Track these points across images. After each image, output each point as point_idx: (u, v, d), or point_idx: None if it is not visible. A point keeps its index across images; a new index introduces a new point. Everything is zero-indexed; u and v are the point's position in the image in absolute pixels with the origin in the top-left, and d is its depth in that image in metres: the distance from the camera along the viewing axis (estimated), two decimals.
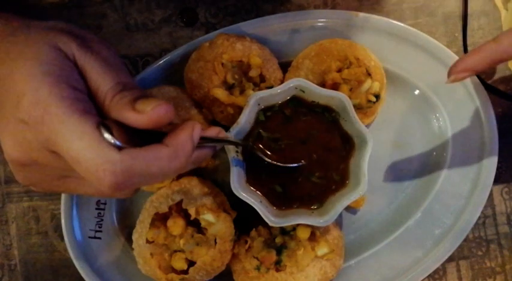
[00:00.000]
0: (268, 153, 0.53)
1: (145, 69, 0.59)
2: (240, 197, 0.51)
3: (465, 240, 0.61)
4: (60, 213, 0.58)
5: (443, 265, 0.62)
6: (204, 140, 0.42)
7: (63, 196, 0.58)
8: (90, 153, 0.34)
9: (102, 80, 0.38)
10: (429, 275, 0.61)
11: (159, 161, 0.36)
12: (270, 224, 0.51)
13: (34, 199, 0.63)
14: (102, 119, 0.36)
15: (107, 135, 0.34)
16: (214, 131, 0.45)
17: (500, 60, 0.47)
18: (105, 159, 0.34)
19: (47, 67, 0.36)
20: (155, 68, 0.59)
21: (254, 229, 0.56)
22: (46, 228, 0.62)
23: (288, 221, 0.52)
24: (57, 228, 0.62)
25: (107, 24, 0.63)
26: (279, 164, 0.53)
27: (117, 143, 0.34)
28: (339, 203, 0.52)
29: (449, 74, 0.49)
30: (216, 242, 0.54)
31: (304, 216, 0.53)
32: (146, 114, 0.36)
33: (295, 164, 0.53)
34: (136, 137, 0.37)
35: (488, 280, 0.63)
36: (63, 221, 0.58)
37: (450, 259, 0.61)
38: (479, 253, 0.63)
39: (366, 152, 0.52)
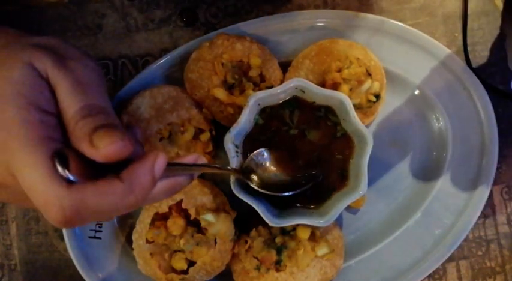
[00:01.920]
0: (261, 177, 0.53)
1: (145, 69, 0.59)
2: (240, 197, 0.51)
3: (465, 240, 0.61)
4: None
5: (443, 265, 0.62)
6: (180, 167, 0.40)
7: None
8: (41, 185, 0.33)
9: (69, 102, 0.37)
10: (429, 275, 0.61)
11: (111, 196, 0.34)
12: (270, 224, 0.51)
13: None
14: (61, 147, 0.35)
15: (59, 168, 0.33)
16: (191, 159, 0.42)
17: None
18: (54, 194, 0.33)
19: (18, 87, 0.35)
20: (155, 68, 0.59)
21: (254, 229, 0.56)
22: (46, 228, 0.62)
23: (288, 221, 0.52)
24: (57, 228, 0.62)
25: (107, 24, 0.63)
26: (273, 193, 0.52)
27: (70, 177, 0.33)
28: (339, 203, 0.52)
29: None
30: (216, 242, 0.54)
31: (304, 216, 0.53)
32: (100, 150, 0.34)
33: (288, 193, 0.53)
34: (98, 166, 0.36)
35: (488, 280, 0.63)
36: None
37: (450, 259, 0.61)
38: (479, 253, 0.63)
39: (365, 152, 0.52)
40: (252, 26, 0.60)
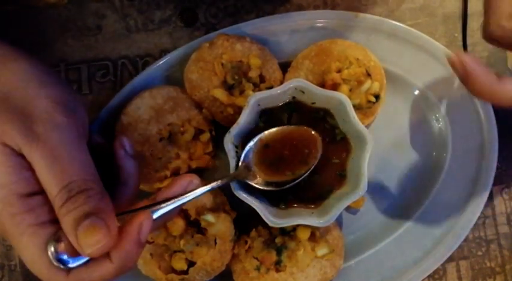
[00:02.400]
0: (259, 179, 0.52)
1: (145, 70, 0.59)
2: (240, 197, 0.51)
3: (465, 240, 0.61)
4: None
5: (443, 265, 0.62)
6: (169, 204, 0.41)
7: None
8: (39, 270, 0.36)
9: (48, 183, 0.36)
10: (429, 276, 0.61)
11: (105, 276, 0.37)
12: (270, 224, 0.51)
13: None
14: (52, 232, 0.36)
15: (51, 257, 0.36)
16: (179, 188, 0.42)
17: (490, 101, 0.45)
18: (55, 279, 0.36)
19: None
20: (155, 69, 0.59)
21: (254, 229, 0.56)
22: None
23: (288, 222, 0.52)
24: None
25: (107, 24, 0.63)
26: (273, 189, 0.52)
27: (63, 266, 0.36)
28: (338, 204, 0.52)
29: (454, 63, 0.45)
30: (216, 243, 0.54)
31: (304, 216, 0.53)
32: (85, 251, 0.35)
33: (289, 185, 0.52)
34: None
35: (488, 280, 0.63)
36: None
37: (450, 259, 0.61)
38: (479, 253, 0.63)
39: (365, 152, 0.52)
40: (252, 26, 0.60)
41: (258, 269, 0.54)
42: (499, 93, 0.42)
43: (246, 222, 0.57)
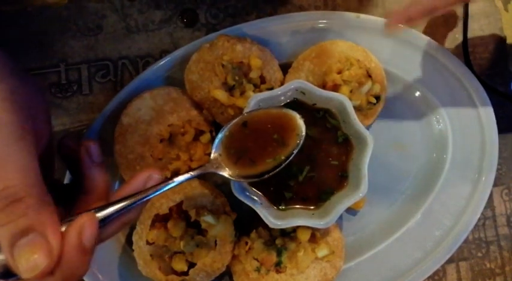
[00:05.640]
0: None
1: (146, 70, 0.59)
2: (240, 198, 0.51)
3: (465, 241, 0.61)
4: None
5: (443, 266, 0.62)
6: (125, 202, 0.37)
7: None
8: None
9: None
10: (429, 277, 0.61)
11: None
12: (270, 225, 0.51)
13: None
14: None
15: None
16: (137, 184, 0.38)
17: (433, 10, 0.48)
18: None
19: None
20: (155, 69, 0.59)
21: (254, 231, 0.56)
22: None
23: (288, 223, 0.52)
24: None
25: (107, 25, 0.63)
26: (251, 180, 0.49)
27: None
28: (339, 205, 0.52)
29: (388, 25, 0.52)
30: (216, 244, 0.54)
31: (305, 218, 0.53)
32: (20, 274, 0.31)
33: (267, 175, 0.48)
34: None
35: None
36: None
37: (450, 261, 0.61)
38: (479, 254, 0.63)
39: (366, 153, 0.52)
40: (253, 27, 0.59)
41: (258, 270, 0.54)
42: None
43: (246, 223, 0.57)
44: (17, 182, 0.31)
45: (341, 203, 0.52)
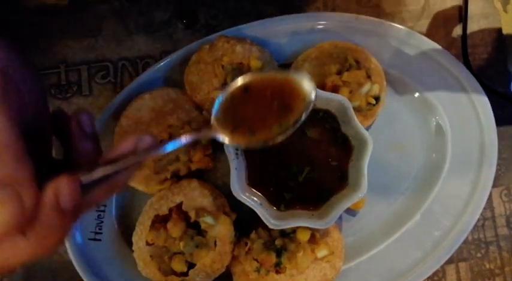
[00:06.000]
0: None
1: (146, 71, 0.59)
2: (240, 199, 0.51)
3: (464, 242, 0.61)
4: None
5: (442, 266, 0.62)
6: (114, 165, 0.34)
7: None
8: None
9: None
10: (428, 277, 0.61)
11: (19, 259, 0.31)
12: (270, 226, 0.51)
13: None
14: None
15: None
16: (127, 146, 0.35)
17: None
18: None
19: None
20: (155, 70, 0.59)
21: (254, 231, 0.56)
22: None
23: (288, 224, 0.52)
24: None
25: (107, 26, 0.63)
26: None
27: None
28: (338, 206, 0.52)
29: None
30: (215, 244, 0.54)
31: (304, 218, 0.53)
32: None
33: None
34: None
35: None
36: None
37: (449, 261, 0.61)
38: (479, 255, 0.63)
39: (365, 154, 0.52)
40: (252, 28, 0.60)
41: (258, 270, 0.54)
42: None
43: (246, 224, 0.57)
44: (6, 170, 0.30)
45: (340, 203, 0.52)
